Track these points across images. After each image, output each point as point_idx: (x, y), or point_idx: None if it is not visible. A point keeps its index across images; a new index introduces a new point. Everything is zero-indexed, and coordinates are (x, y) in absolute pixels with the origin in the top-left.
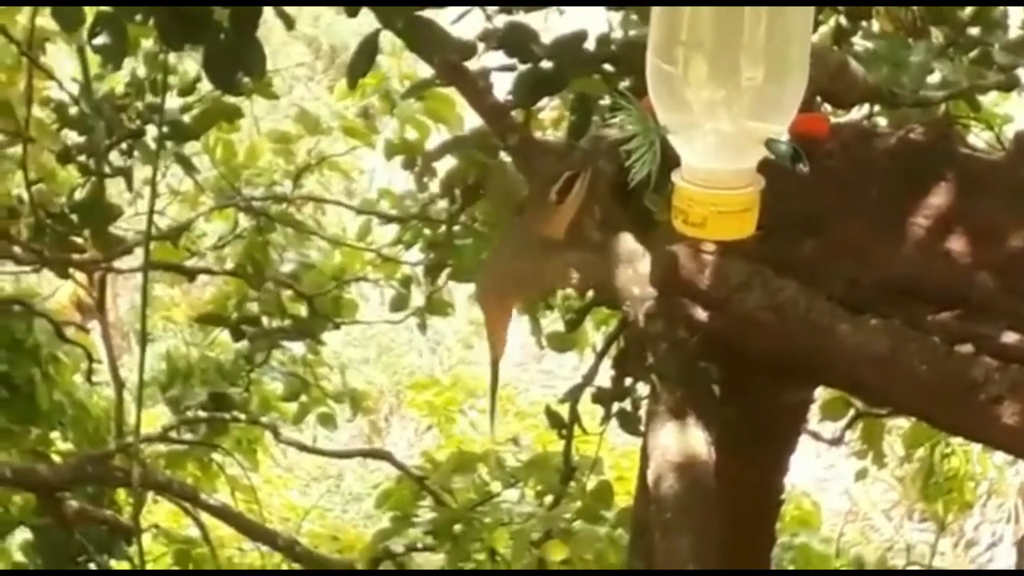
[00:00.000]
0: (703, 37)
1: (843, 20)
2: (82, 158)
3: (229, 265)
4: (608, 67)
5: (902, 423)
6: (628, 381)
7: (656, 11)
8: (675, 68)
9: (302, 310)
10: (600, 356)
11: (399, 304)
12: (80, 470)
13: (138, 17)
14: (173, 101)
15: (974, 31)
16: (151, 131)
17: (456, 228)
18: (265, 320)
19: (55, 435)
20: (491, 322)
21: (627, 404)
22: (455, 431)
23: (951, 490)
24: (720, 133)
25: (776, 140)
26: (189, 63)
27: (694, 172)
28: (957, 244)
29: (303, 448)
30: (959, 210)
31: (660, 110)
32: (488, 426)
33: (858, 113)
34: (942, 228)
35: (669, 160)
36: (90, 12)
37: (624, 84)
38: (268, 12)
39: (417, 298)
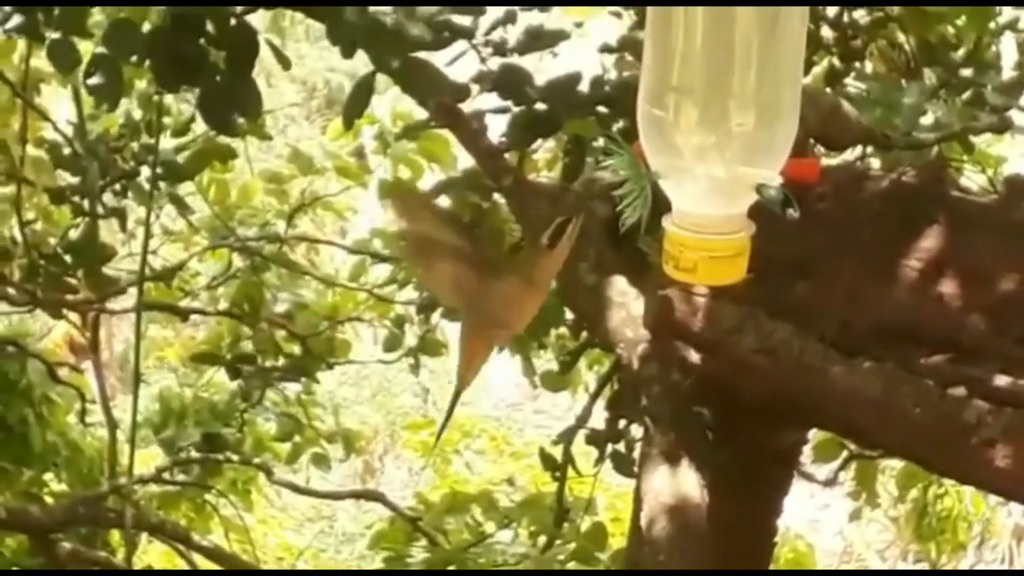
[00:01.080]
0: (694, 83)
1: (836, 62)
2: (76, 199)
3: (223, 305)
4: (602, 109)
5: (896, 463)
6: (622, 423)
7: (647, 57)
8: (666, 113)
9: (296, 350)
10: (593, 398)
11: (392, 344)
12: (73, 511)
13: (133, 58)
14: (167, 142)
15: (967, 72)
16: (145, 172)
17: None
18: (259, 360)
19: (49, 476)
20: (467, 356)
21: (621, 446)
22: (450, 471)
23: (944, 531)
24: (711, 178)
25: (766, 185)
26: (183, 104)
27: (685, 217)
28: (949, 287)
29: (295, 489)
30: (951, 253)
31: (651, 155)
32: (483, 465)
33: (851, 155)
34: (934, 271)
35: (660, 205)
36: (85, 53)
37: (618, 126)
38: (263, 52)
39: (411, 338)
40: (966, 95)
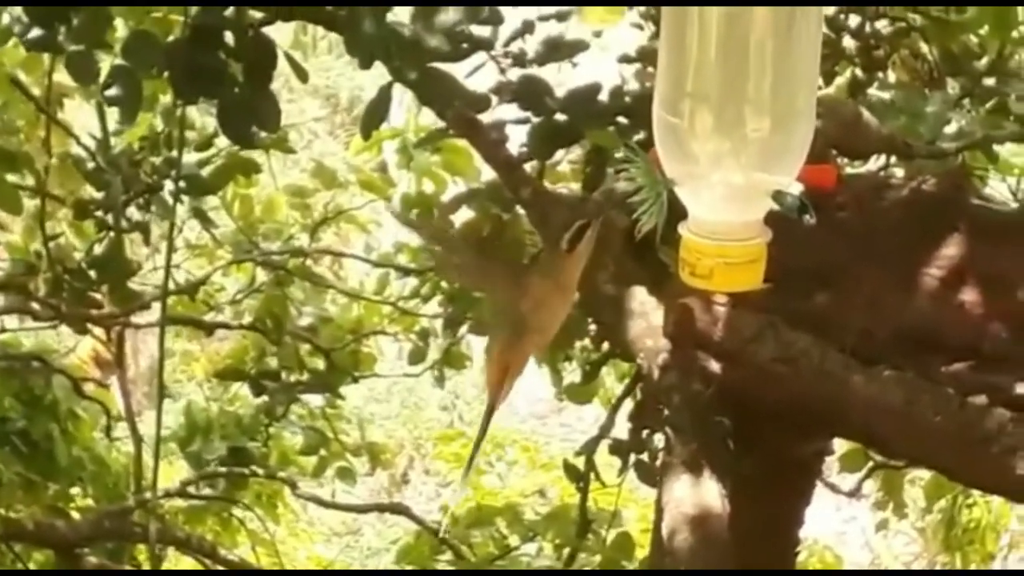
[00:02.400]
0: (708, 89)
1: (859, 72)
2: (99, 213)
3: (247, 319)
4: (622, 120)
5: (923, 473)
6: (645, 433)
7: (661, 64)
8: (681, 120)
9: (320, 364)
10: (615, 408)
11: (417, 357)
12: (99, 526)
13: (153, 70)
14: (191, 156)
15: (990, 82)
16: (168, 186)
17: None
18: (283, 374)
19: (75, 491)
20: (495, 371)
21: (644, 456)
22: (481, 483)
23: (972, 541)
24: (727, 185)
25: (783, 192)
26: (208, 118)
27: (701, 224)
28: (970, 295)
29: (320, 502)
30: (972, 260)
31: (666, 162)
32: (514, 478)
33: (874, 164)
34: (955, 279)
35: (677, 212)
36: (105, 65)
37: (638, 137)
38: (283, 66)
39: (435, 351)
40: (989, 104)
